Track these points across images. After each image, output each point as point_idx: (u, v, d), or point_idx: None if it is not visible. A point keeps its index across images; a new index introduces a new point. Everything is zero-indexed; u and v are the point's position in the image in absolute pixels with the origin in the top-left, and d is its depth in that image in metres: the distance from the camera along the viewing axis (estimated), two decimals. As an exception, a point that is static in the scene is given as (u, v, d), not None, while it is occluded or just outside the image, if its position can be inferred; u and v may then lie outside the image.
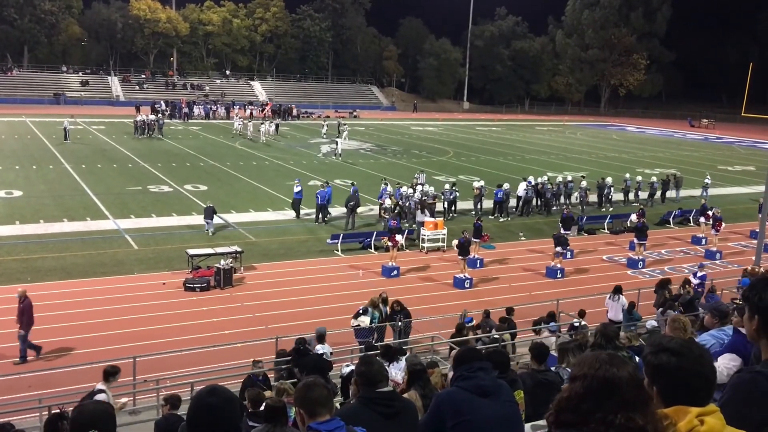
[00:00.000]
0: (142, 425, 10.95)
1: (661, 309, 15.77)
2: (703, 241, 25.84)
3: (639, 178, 34.95)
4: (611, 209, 30.94)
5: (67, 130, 44.52)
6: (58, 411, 6.20)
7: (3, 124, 52.31)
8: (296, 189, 26.67)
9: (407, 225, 24.98)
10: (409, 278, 20.49)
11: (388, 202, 26.04)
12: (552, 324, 14.99)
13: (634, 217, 25.12)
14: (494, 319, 15.15)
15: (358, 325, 14.59)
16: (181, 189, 31.18)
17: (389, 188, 27.50)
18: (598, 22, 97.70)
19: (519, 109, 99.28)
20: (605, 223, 28.04)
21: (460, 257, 19.97)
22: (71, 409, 4.27)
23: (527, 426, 4.47)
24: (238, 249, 20.57)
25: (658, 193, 33.71)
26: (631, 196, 32.96)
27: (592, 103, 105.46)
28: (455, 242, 20.36)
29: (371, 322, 14.63)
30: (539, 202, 30.40)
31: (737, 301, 12.46)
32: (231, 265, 19.05)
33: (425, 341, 15.42)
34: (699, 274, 18.79)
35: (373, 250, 22.91)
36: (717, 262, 23.76)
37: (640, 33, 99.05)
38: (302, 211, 26.85)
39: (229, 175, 35.23)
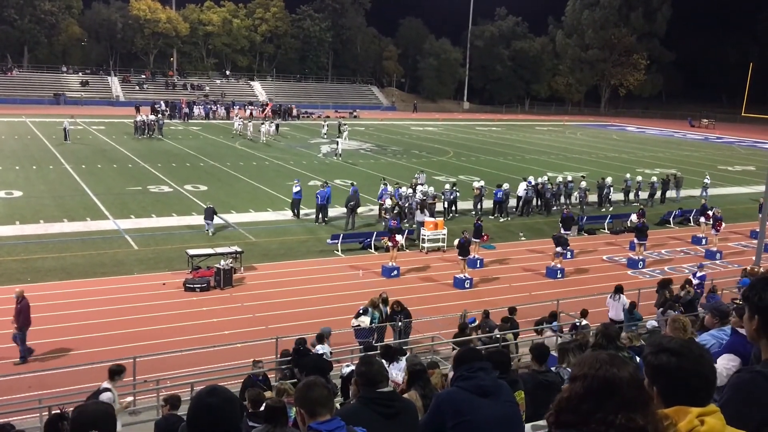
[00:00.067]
0: (142, 425, 10.95)
1: (661, 309, 15.76)
2: (704, 241, 25.84)
3: (639, 178, 34.94)
4: (611, 209, 30.94)
5: (67, 131, 44.52)
6: (59, 411, 6.20)
7: (3, 124, 52.32)
8: (295, 189, 26.68)
9: (407, 225, 24.99)
10: (410, 278, 20.48)
11: (388, 203, 26.04)
12: (554, 324, 15.00)
13: (634, 217, 25.12)
14: (494, 320, 15.14)
15: (359, 326, 14.59)
16: (181, 189, 31.18)
17: (389, 188, 27.51)
18: (598, 22, 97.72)
19: (519, 109, 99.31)
20: (605, 223, 28.03)
21: (460, 257, 19.96)
22: (71, 409, 4.27)
23: (527, 426, 4.47)
24: (238, 249, 20.57)
25: (658, 193, 33.71)
26: (632, 196, 32.96)
27: (592, 103, 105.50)
28: (456, 242, 20.35)
29: (371, 323, 14.63)
30: (539, 202, 30.41)
31: (737, 301, 12.44)
32: (231, 265, 19.06)
33: (425, 341, 15.42)
34: (698, 274, 18.81)
35: (373, 251, 22.91)
36: (717, 262, 23.76)
37: (640, 33, 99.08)
38: (302, 211, 26.87)
39: (229, 176, 35.23)
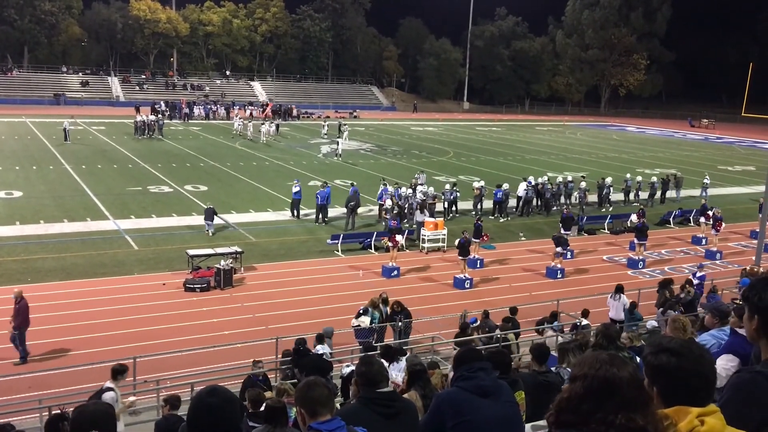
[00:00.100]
0: (142, 425, 10.95)
1: (661, 309, 15.76)
2: (704, 241, 25.84)
3: (639, 178, 34.94)
4: (611, 209, 30.94)
5: (67, 131, 44.51)
6: (59, 412, 6.21)
7: (3, 124, 52.32)
8: (295, 189, 26.69)
9: (407, 225, 24.99)
10: (410, 278, 20.48)
11: (388, 203, 26.04)
12: (555, 324, 14.99)
13: (634, 217, 25.12)
14: (494, 320, 15.14)
15: (359, 326, 14.60)
16: (182, 189, 31.18)
17: (390, 188, 27.51)
18: (598, 22, 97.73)
19: (519, 109, 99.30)
20: (605, 224, 28.03)
21: (460, 257, 19.96)
22: (71, 409, 4.28)
23: (528, 426, 4.47)
24: (238, 249, 20.58)
25: (658, 194, 33.71)
26: (632, 196, 32.96)
27: (592, 103, 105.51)
28: (456, 242, 20.35)
29: (371, 323, 14.63)
30: (539, 203, 30.41)
31: (737, 301, 12.45)
32: (231, 265, 19.06)
33: (425, 341, 15.42)
34: (698, 274, 18.80)
35: (373, 251, 22.91)
36: (717, 262, 23.76)
37: (640, 33, 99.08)
38: (302, 212, 26.87)
39: (229, 176, 35.23)
